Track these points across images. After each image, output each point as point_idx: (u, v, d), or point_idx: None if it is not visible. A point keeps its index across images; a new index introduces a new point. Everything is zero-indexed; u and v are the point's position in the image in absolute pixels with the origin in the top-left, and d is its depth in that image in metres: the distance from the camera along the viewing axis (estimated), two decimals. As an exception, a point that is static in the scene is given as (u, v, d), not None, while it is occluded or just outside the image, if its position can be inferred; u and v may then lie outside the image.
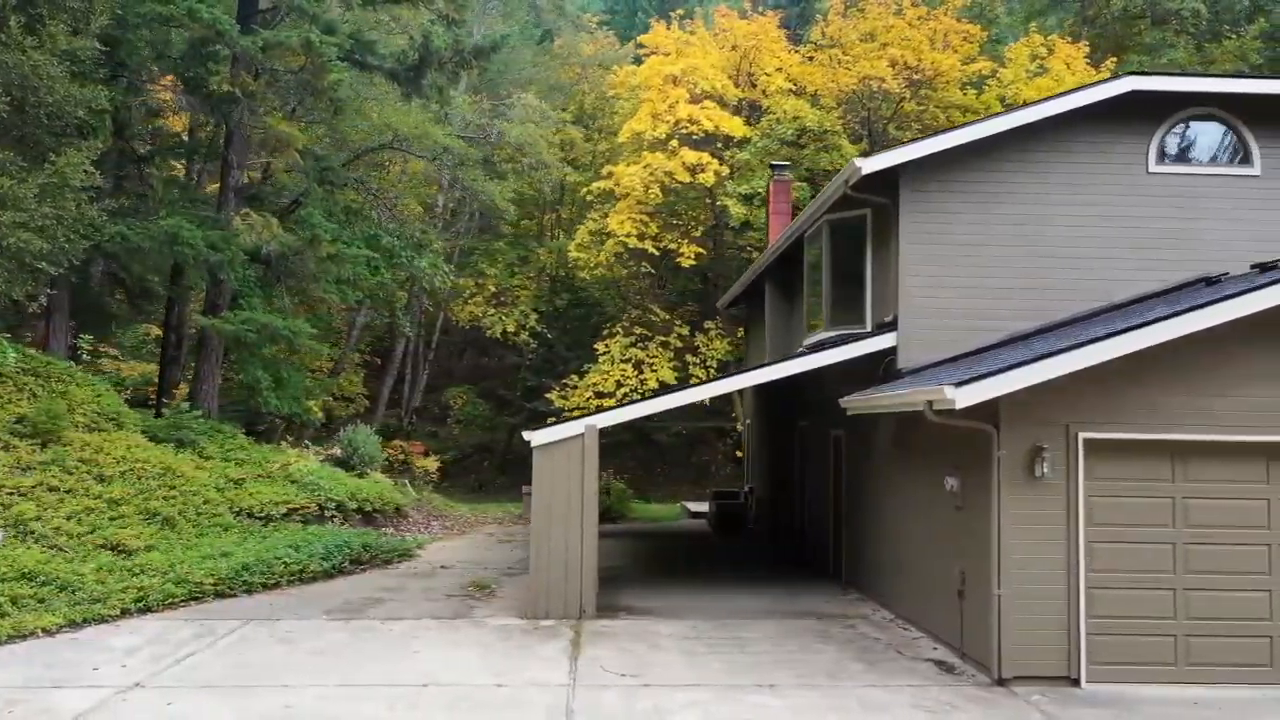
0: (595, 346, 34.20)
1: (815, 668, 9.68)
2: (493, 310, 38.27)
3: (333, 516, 17.97)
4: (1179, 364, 9.36)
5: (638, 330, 34.22)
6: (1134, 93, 12.37)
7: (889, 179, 12.60)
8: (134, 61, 19.04)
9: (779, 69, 34.49)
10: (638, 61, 36.83)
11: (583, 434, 12.21)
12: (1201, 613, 9.34)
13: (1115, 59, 33.07)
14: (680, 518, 26.39)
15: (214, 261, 18.93)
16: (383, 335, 38.81)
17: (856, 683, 9.17)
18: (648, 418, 40.47)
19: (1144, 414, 9.36)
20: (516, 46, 39.37)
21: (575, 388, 32.88)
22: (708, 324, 33.86)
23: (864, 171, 12.12)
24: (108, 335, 24.51)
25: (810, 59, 35.02)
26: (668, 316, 34.63)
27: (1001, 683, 9.13)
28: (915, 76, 31.80)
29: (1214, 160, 12.74)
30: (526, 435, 12.33)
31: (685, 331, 34.05)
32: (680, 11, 36.59)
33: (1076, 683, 9.11)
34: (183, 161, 25.14)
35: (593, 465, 12.21)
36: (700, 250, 33.13)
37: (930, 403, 9.01)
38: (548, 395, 33.81)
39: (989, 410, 9.27)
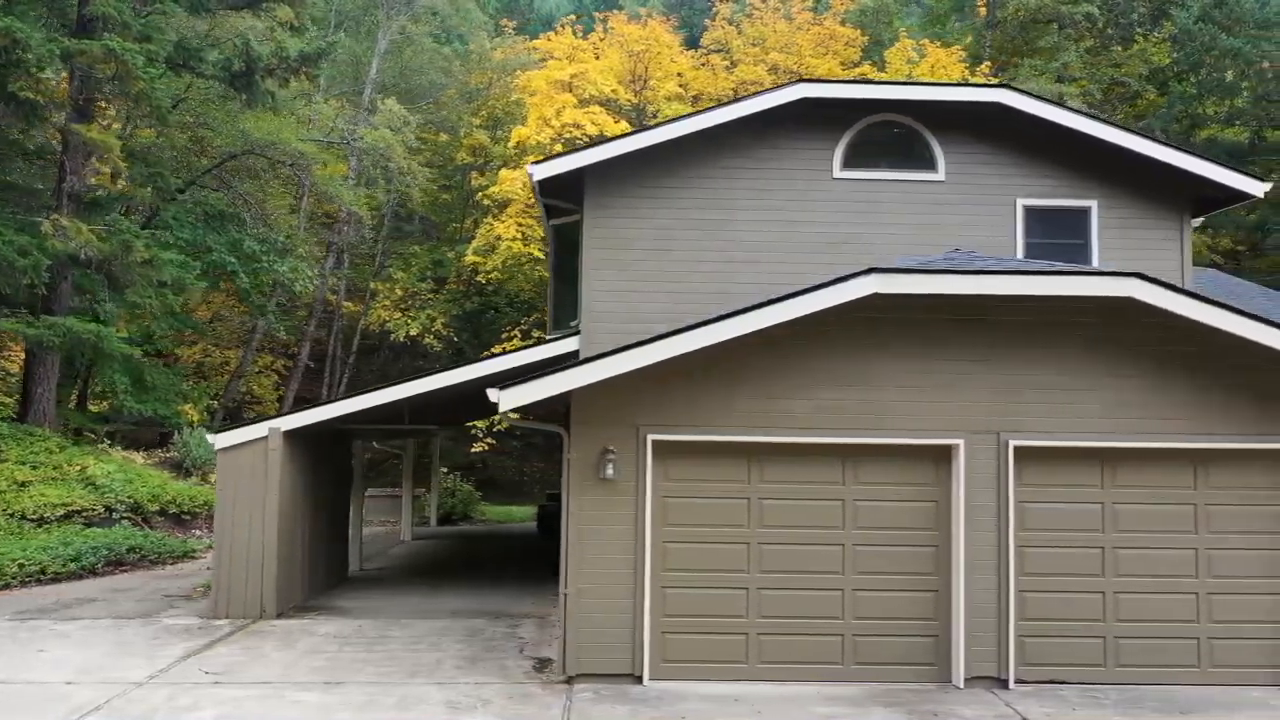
0: (493, 350, 34.44)
1: (409, 666, 9.85)
2: (399, 314, 38.57)
3: (123, 518, 18.17)
4: (750, 366, 9.50)
5: (536, 335, 34.42)
6: (815, 99, 12.54)
7: (579, 183, 12.78)
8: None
9: (678, 74, 34.77)
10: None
11: (266, 436, 12.41)
12: (775, 611, 9.48)
13: (991, 65, 33.17)
14: (530, 520, 26.58)
15: (19, 266, 19.15)
16: (317, 340, 39.13)
17: (428, 680, 9.34)
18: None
19: (717, 415, 9.49)
20: (421, 51, 39.62)
21: (471, 391, 33.06)
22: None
23: (536, 177, 12.30)
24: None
25: (704, 64, 35.28)
26: (565, 319, 34.79)
27: (570, 680, 9.28)
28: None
29: (899, 165, 12.89)
30: (209, 437, 12.52)
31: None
32: (573, 16, 36.81)
33: (639, 680, 9.25)
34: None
35: (277, 466, 12.38)
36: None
37: (496, 404, 9.17)
38: (448, 399, 33.99)
39: (564, 413, 9.44)
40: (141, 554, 16.57)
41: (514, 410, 9.04)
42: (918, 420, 9.49)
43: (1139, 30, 39.62)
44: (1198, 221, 14.75)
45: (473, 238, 42.03)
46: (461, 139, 40.28)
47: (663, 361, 9.14)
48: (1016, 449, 9.47)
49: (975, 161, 12.84)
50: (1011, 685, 9.31)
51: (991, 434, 9.48)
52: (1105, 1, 37.14)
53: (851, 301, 9.12)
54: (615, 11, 38.21)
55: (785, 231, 12.76)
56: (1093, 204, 12.80)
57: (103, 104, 23.45)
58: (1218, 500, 9.62)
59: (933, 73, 30.12)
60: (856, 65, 33.13)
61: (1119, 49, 39.29)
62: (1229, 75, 38.27)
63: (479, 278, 36.41)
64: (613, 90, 33.59)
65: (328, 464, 14.54)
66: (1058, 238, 12.76)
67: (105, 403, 27.49)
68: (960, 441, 9.44)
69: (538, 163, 12.38)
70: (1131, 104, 39.86)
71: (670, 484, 9.53)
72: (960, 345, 9.51)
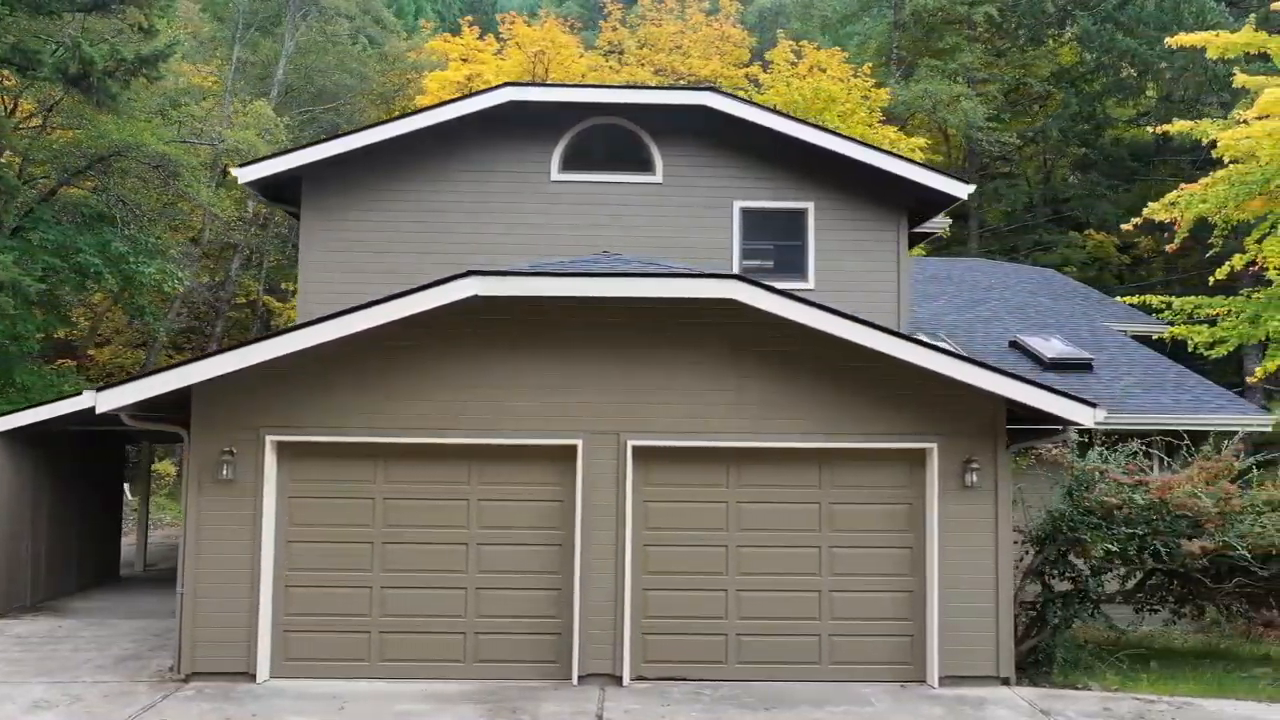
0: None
1: (53, 666, 9.94)
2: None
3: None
4: (375, 367, 9.56)
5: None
6: (524, 102, 12.63)
7: (298, 185, 12.86)
8: None
9: (582, 75, 34.88)
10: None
11: (-18, 438, 12.49)
12: (398, 610, 9.57)
13: (873, 66, 33.29)
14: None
15: None
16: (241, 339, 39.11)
17: (49, 679, 9.41)
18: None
19: (343, 416, 9.53)
20: (327, 53, 39.68)
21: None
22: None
23: (243, 180, 12.39)
24: None
25: (602, 66, 35.39)
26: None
27: (186, 679, 9.36)
28: (682, 83, 32.06)
29: (618, 168, 12.99)
30: (-77, 439, 12.59)
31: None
32: (470, 18, 36.92)
33: (254, 678, 9.32)
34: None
35: (-6, 468, 12.46)
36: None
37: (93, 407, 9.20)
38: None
39: (186, 414, 9.52)
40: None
41: (122, 410, 9.10)
42: (539, 421, 9.58)
43: (1050, 31, 39.76)
44: (947, 221, 14.90)
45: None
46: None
47: (280, 360, 9.23)
48: (637, 449, 9.56)
49: (692, 164, 12.94)
50: (627, 682, 9.40)
51: (612, 434, 9.56)
52: (1005, 4, 37.23)
53: (461, 302, 9.21)
54: (514, 13, 38.33)
55: (505, 234, 12.83)
56: (809, 206, 12.91)
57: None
58: (842, 499, 9.73)
59: (810, 74, 30.23)
60: (746, 66, 33.26)
61: (1030, 50, 39.41)
62: (1138, 76, 38.33)
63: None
64: (508, 92, 33.67)
65: (86, 464, 14.61)
66: (775, 239, 12.89)
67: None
68: (579, 442, 9.53)
69: (244, 165, 12.47)
70: (1042, 105, 40.06)
71: (297, 484, 9.61)
72: (582, 346, 9.60)
